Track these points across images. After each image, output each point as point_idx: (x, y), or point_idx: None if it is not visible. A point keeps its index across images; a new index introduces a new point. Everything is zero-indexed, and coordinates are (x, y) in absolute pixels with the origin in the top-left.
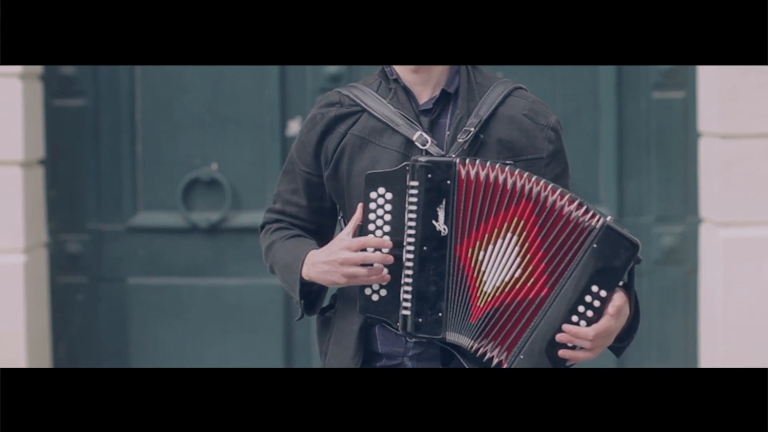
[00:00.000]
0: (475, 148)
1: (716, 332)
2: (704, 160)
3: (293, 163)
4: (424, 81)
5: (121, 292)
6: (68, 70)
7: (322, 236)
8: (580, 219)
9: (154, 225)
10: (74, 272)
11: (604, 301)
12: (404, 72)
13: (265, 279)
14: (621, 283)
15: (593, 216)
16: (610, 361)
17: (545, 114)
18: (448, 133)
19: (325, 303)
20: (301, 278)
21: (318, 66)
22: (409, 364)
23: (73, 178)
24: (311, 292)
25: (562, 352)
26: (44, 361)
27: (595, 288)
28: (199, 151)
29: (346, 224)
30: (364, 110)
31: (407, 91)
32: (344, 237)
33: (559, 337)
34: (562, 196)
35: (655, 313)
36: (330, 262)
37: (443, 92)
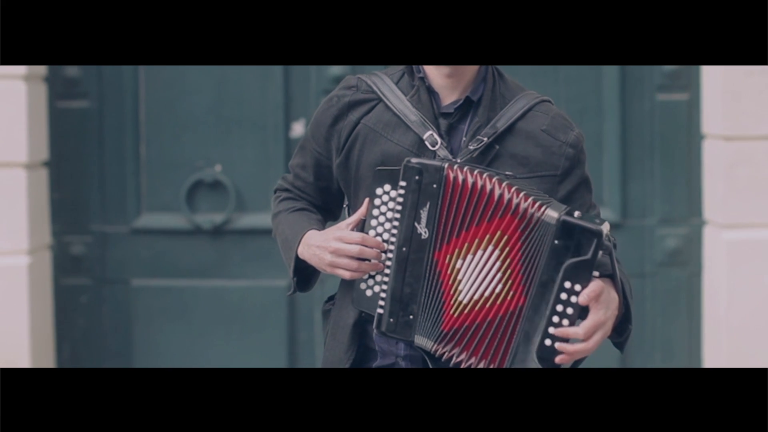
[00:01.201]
0: (488, 159)
1: (720, 333)
2: (708, 162)
3: (307, 140)
4: (453, 86)
5: (124, 293)
6: (72, 71)
7: (329, 212)
8: (541, 218)
9: (158, 227)
10: (78, 274)
11: (579, 299)
12: (435, 75)
13: (269, 280)
14: (597, 274)
15: (545, 211)
16: (614, 361)
17: (565, 129)
18: (464, 139)
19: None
20: (296, 256)
21: (322, 67)
22: (403, 364)
23: (77, 180)
24: (306, 269)
25: (560, 350)
26: (48, 363)
27: (568, 284)
28: (202, 152)
29: (350, 214)
30: (379, 99)
31: (431, 91)
32: (342, 227)
33: (550, 343)
34: (540, 207)
35: (659, 315)
36: (321, 247)
37: (467, 99)
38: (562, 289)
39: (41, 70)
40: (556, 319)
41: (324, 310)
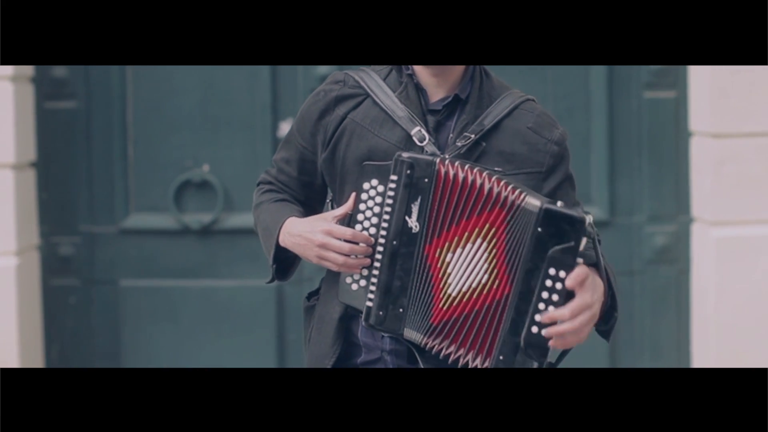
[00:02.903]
0: (475, 156)
1: (709, 331)
2: (696, 159)
3: (292, 135)
4: (440, 84)
5: (113, 294)
6: (59, 72)
7: (311, 208)
8: (522, 206)
9: (146, 227)
10: (66, 275)
11: (566, 282)
12: (423, 73)
13: (258, 280)
14: (581, 261)
15: (527, 199)
16: (602, 361)
17: (550, 127)
18: (451, 135)
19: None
20: (277, 244)
21: (309, 67)
22: (388, 359)
23: (65, 181)
24: (287, 258)
25: (547, 336)
26: (36, 364)
27: (552, 271)
28: (190, 152)
29: (334, 208)
30: (367, 95)
31: (419, 88)
32: (329, 219)
33: (537, 330)
34: (521, 195)
35: (647, 313)
36: (307, 239)
37: (456, 97)
38: (547, 276)
39: (28, 70)
40: (542, 306)
41: (307, 307)
